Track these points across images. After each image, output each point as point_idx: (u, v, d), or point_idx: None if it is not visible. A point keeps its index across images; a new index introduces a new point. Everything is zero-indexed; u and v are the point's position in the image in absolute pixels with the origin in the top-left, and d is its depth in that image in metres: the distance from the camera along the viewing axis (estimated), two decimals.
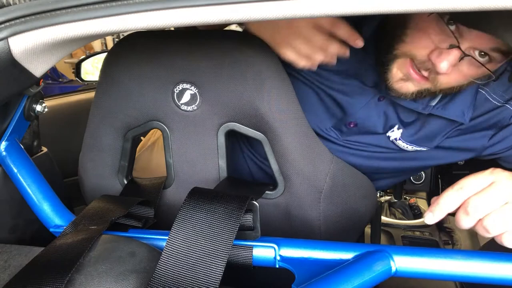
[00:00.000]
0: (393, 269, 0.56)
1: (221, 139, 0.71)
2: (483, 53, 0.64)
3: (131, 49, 0.73)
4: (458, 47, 0.62)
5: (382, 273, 0.55)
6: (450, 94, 0.75)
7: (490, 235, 0.54)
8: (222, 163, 0.73)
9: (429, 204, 1.66)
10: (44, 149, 0.84)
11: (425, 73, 0.67)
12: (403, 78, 0.69)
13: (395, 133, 0.81)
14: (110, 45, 4.03)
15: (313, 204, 0.73)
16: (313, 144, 0.73)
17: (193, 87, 0.68)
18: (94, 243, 0.55)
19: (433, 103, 0.77)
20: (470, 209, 0.53)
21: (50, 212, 0.70)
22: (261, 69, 0.65)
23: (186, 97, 0.70)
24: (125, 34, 0.73)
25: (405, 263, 0.56)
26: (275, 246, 0.59)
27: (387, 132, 0.81)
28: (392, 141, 0.82)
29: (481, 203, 0.53)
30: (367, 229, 1.34)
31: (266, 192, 0.74)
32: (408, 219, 1.59)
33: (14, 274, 0.50)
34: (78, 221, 0.63)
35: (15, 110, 0.71)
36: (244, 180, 0.84)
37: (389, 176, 0.95)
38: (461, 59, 0.63)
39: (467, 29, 0.61)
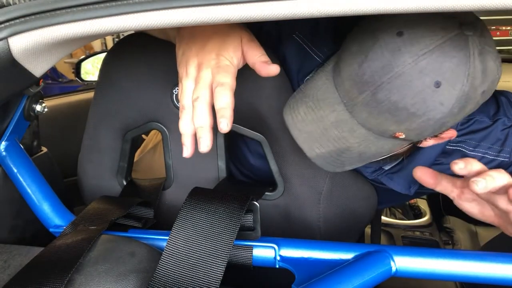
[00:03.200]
0: (393, 269, 0.56)
1: (220, 140, 0.71)
2: None
3: (130, 49, 0.73)
4: None
5: (382, 273, 0.55)
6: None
7: None
8: (221, 163, 0.73)
9: (429, 204, 1.66)
10: (44, 149, 0.84)
11: None
12: None
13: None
14: (110, 45, 4.02)
15: (313, 205, 0.73)
16: None
17: None
18: (94, 243, 0.55)
19: (387, 167, 0.73)
20: None
21: (50, 212, 0.70)
22: None
23: None
24: (125, 34, 0.73)
25: (405, 263, 0.56)
26: (275, 246, 0.59)
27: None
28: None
29: None
30: (367, 229, 1.34)
31: (266, 193, 0.73)
32: (409, 219, 1.59)
33: (13, 274, 0.50)
34: (78, 221, 0.63)
35: (15, 110, 0.71)
36: (243, 180, 0.83)
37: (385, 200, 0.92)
38: None
39: None
